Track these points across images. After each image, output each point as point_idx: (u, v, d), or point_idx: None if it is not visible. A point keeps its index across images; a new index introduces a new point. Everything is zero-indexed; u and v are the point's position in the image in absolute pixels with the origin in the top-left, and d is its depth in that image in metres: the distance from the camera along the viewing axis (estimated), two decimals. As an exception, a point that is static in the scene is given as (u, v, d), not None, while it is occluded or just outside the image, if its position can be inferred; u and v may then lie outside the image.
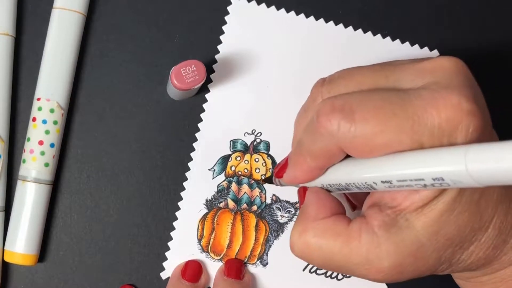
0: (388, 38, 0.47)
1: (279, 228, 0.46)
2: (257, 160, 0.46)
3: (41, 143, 0.43)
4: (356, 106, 0.30)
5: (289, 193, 0.46)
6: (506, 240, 0.33)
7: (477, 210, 0.31)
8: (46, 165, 0.43)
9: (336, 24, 0.47)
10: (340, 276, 0.46)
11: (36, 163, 0.42)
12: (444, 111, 0.28)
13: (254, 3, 0.47)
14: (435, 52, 0.47)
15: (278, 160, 0.46)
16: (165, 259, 0.45)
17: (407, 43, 0.47)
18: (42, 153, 0.42)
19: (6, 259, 0.43)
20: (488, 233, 0.32)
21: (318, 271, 0.46)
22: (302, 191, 0.36)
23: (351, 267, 0.32)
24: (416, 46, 0.47)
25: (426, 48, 0.47)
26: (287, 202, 0.46)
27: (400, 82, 0.31)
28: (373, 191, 0.32)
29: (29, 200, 0.43)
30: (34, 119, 0.43)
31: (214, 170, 0.46)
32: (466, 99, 0.28)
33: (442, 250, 0.31)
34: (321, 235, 0.33)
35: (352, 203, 0.40)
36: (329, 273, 0.46)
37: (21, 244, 0.42)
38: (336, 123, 0.30)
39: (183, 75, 0.41)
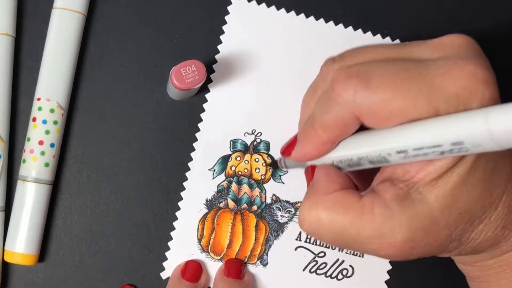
0: (388, 38, 0.47)
1: (279, 228, 0.46)
2: (257, 160, 0.46)
3: (41, 143, 0.43)
4: (372, 72, 0.30)
5: (289, 193, 0.46)
6: None
7: (488, 186, 0.31)
8: (46, 165, 0.43)
9: (336, 24, 0.47)
10: (340, 276, 0.46)
11: (36, 163, 0.42)
12: (460, 79, 0.28)
13: (254, 3, 0.47)
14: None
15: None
16: (165, 259, 0.45)
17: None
18: (42, 153, 0.42)
19: (6, 259, 0.43)
20: (497, 211, 0.32)
21: (318, 271, 0.46)
22: (311, 169, 0.35)
23: (362, 242, 0.31)
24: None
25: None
26: (287, 202, 0.46)
27: (413, 56, 0.31)
28: (385, 165, 0.32)
29: (29, 200, 0.43)
30: (34, 119, 0.43)
31: (214, 170, 0.46)
32: (482, 68, 0.29)
33: (453, 226, 0.31)
34: (332, 208, 0.32)
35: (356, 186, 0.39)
36: (329, 273, 0.46)
37: (21, 244, 0.42)
38: (352, 89, 0.30)
39: (183, 75, 0.41)
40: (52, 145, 0.43)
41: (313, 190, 0.33)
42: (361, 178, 0.38)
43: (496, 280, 0.36)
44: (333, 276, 0.46)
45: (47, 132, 0.43)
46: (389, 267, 0.47)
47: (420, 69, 0.29)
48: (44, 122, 0.43)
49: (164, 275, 0.45)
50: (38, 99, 0.43)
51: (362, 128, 0.32)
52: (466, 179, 0.30)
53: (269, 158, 0.46)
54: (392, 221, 0.30)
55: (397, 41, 0.47)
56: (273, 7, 0.47)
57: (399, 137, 0.29)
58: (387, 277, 0.47)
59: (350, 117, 0.31)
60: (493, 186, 0.31)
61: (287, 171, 0.46)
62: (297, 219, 0.46)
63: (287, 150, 0.37)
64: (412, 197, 0.30)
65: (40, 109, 0.43)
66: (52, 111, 0.43)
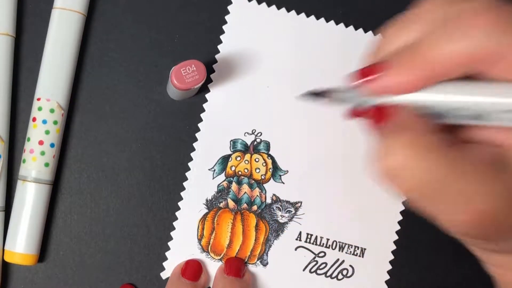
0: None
1: (279, 228, 0.46)
2: (257, 160, 0.46)
3: (41, 143, 0.43)
4: None
5: (289, 193, 0.46)
6: None
7: None
8: (46, 165, 0.43)
9: (337, 23, 0.47)
10: (340, 276, 0.46)
11: (36, 163, 0.42)
12: None
13: (254, 2, 0.47)
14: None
15: (278, 160, 0.46)
16: (165, 259, 0.45)
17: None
18: (42, 153, 0.42)
19: (6, 259, 0.43)
20: None
21: (318, 271, 0.46)
22: (386, 109, 0.30)
23: (447, 198, 0.27)
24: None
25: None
26: (287, 202, 0.46)
27: None
28: (479, 124, 0.28)
29: (29, 200, 0.43)
30: (34, 119, 0.43)
31: (214, 170, 0.46)
32: None
33: None
34: (432, 151, 0.27)
35: None
36: (329, 273, 0.46)
37: (21, 244, 0.42)
38: (503, 25, 0.26)
39: (183, 75, 0.41)
40: (52, 145, 0.43)
41: (402, 127, 0.28)
42: None
43: None
44: (333, 276, 0.46)
45: (47, 132, 0.43)
46: (389, 267, 0.47)
47: None
48: (44, 122, 0.43)
49: (164, 275, 0.45)
50: (38, 99, 0.43)
51: None
52: None
53: (269, 158, 0.46)
54: (486, 186, 0.26)
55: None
56: (273, 7, 0.47)
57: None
58: (387, 277, 0.47)
59: (480, 54, 0.27)
60: None
61: (285, 174, 0.46)
62: (299, 219, 0.46)
63: (367, 74, 0.30)
64: (509, 162, 0.27)
65: (40, 109, 0.43)
66: (52, 111, 0.43)
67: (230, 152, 0.46)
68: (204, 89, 0.46)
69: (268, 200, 0.46)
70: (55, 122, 0.43)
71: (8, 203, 0.44)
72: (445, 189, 0.27)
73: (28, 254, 0.43)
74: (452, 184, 0.26)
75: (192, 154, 0.46)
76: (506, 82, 0.26)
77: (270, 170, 0.46)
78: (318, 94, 0.33)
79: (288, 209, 0.46)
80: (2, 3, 0.43)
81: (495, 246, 0.30)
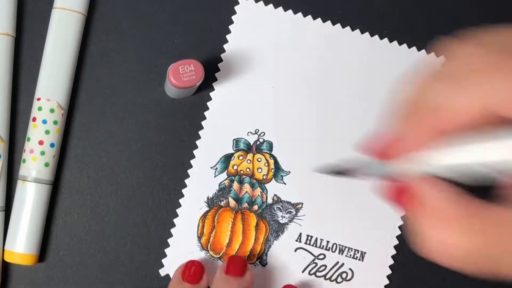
0: (405, 45, 0.47)
1: (279, 229, 0.46)
2: (259, 160, 0.46)
3: (41, 143, 0.43)
4: None
5: (291, 194, 0.46)
6: None
7: None
8: (46, 165, 0.43)
9: (343, 26, 0.47)
10: (339, 279, 0.46)
11: (36, 163, 0.43)
12: None
13: (261, 3, 0.47)
14: (432, 55, 0.47)
15: (280, 160, 0.46)
16: (165, 256, 0.45)
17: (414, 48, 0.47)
18: (42, 153, 0.43)
19: (6, 259, 0.43)
20: None
21: (318, 273, 0.46)
22: (403, 188, 0.30)
23: (494, 260, 0.27)
24: (414, 48, 0.47)
25: (423, 51, 0.47)
26: (288, 202, 0.46)
27: None
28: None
29: (29, 200, 0.43)
30: (34, 119, 0.43)
31: (216, 168, 0.46)
32: None
33: None
34: (466, 225, 0.27)
35: None
36: (328, 275, 0.46)
37: (21, 244, 0.43)
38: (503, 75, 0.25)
39: (180, 73, 0.41)
40: (52, 145, 0.43)
41: (429, 207, 0.28)
42: None
43: None
44: (332, 278, 0.46)
45: (47, 132, 0.43)
46: (389, 271, 0.46)
47: None
48: (44, 122, 0.43)
49: (163, 272, 0.45)
50: (38, 99, 0.43)
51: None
52: None
53: (271, 158, 0.46)
54: None
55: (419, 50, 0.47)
56: (280, 8, 0.47)
57: None
58: (387, 281, 0.47)
59: (489, 107, 0.26)
60: None
61: (286, 181, 0.46)
62: (299, 220, 0.46)
63: (380, 149, 0.30)
64: None
65: (40, 109, 0.43)
66: (52, 111, 0.43)
67: (232, 151, 0.46)
68: (209, 87, 0.46)
69: (269, 200, 0.46)
70: (55, 122, 0.43)
71: (8, 203, 0.44)
72: (484, 254, 0.27)
73: (28, 254, 0.43)
74: (486, 248, 0.27)
75: (194, 152, 0.46)
76: None
77: (272, 170, 0.46)
78: (340, 173, 0.32)
79: (289, 209, 0.46)
80: (2, 3, 0.43)
81: None
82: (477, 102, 0.26)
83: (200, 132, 0.46)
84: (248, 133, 0.46)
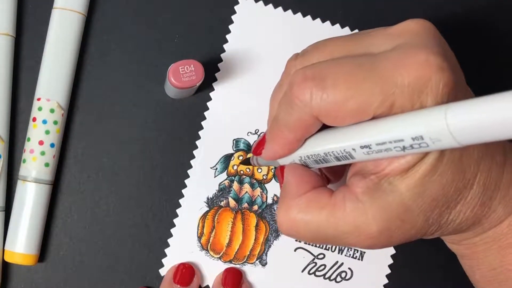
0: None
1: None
2: (259, 159, 0.46)
3: (41, 143, 0.43)
4: (326, 73, 0.30)
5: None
6: (492, 197, 0.33)
7: (459, 168, 0.31)
8: (46, 165, 0.43)
9: (342, 26, 0.47)
10: (338, 279, 0.46)
11: (36, 163, 0.43)
12: (413, 69, 0.28)
13: (261, 3, 0.47)
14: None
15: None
16: (165, 256, 0.45)
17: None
18: (42, 153, 0.43)
19: (6, 259, 0.43)
20: (473, 191, 0.32)
21: (317, 273, 0.46)
22: (280, 170, 0.36)
23: (341, 237, 0.32)
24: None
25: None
26: (288, 202, 0.46)
27: (371, 48, 0.31)
28: (353, 161, 0.32)
29: (29, 200, 0.43)
30: (34, 119, 0.43)
31: (216, 168, 0.46)
32: (434, 55, 0.28)
33: (429, 211, 0.31)
34: (306, 209, 0.33)
35: (327, 178, 0.39)
36: (328, 275, 0.46)
37: (21, 244, 0.43)
38: (309, 92, 0.30)
39: (181, 73, 0.41)
40: (52, 145, 0.43)
41: (285, 193, 0.34)
42: (335, 172, 0.39)
43: (483, 256, 0.36)
44: (331, 278, 0.46)
45: (47, 132, 0.43)
46: (388, 271, 0.47)
47: (374, 64, 0.29)
48: (44, 122, 0.43)
49: (162, 271, 0.45)
50: (38, 99, 0.43)
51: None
52: (435, 167, 0.30)
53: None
54: (365, 214, 0.31)
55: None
56: (280, 8, 0.47)
57: (362, 132, 0.29)
58: (386, 281, 0.47)
59: (310, 118, 0.31)
60: (464, 167, 0.31)
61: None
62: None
63: (257, 149, 0.37)
64: (383, 188, 0.31)
65: (40, 109, 0.43)
66: (52, 111, 0.43)
67: (232, 151, 0.46)
68: (209, 87, 0.46)
69: (269, 200, 0.46)
70: (55, 122, 0.43)
71: (8, 203, 0.44)
72: (335, 232, 0.32)
73: (28, 254, 0.43)
74: (338, 226, 0.31)
75: (194, 152, 0.46)
76: (351, 126, 0.31)
77: (272, 171, 0.46)
78: (247, 161, 0.42)
79: (289, 209, 0.46)
80: (2, 3, 0.43)
81: (428, 236, 0.34)
82: (309, 117, 0.31)
83: (200, 132, 0.46)
84: (248, 133, 0.46)
